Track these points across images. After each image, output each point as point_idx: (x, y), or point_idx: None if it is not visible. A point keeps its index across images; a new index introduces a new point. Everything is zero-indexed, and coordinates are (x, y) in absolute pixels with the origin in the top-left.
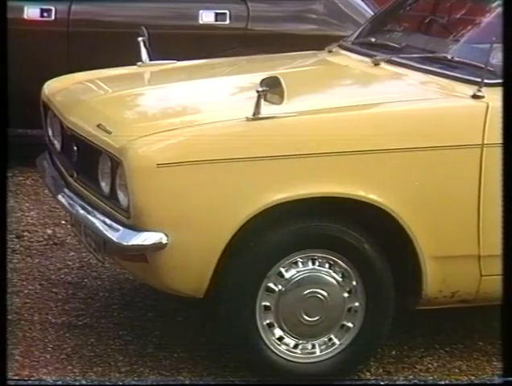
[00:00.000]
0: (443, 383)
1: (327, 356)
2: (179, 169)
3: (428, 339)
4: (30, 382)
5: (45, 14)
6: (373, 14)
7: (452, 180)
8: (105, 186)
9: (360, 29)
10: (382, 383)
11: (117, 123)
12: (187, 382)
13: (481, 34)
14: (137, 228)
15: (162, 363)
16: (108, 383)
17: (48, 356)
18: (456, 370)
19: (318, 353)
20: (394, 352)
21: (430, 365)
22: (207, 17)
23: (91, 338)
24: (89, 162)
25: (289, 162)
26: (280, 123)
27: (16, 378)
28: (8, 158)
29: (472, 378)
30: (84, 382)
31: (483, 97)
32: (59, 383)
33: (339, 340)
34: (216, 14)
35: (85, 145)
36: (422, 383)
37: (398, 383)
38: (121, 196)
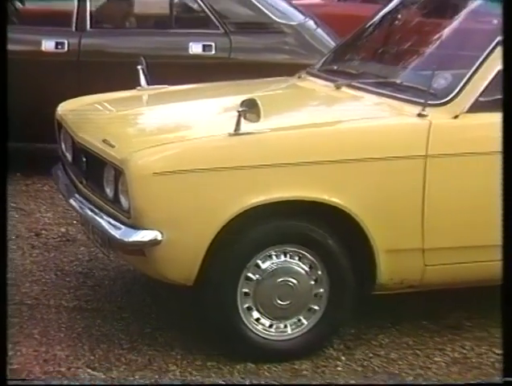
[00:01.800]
0: (443, 383)
1: (297, 334)
2: (173, 177)
3: (382, 320)
4: (30, 382)
5: (59, 47)
6: (335, 45)
7: (400, 186)
8: (109, 191)
9: (324, 58)
10: (384, 383)
11: (120, 138)
12: (176, 381)
13: (424, 62)
14: (136, 227)
15: (158, 341)
16: (107, 383)
17: (62, 335)
18: (404, 345)
19: (289, 332)
20: (353, 331)
21: (382, 341)
22: (195, 48)
23: (98, 320)
24: (96, 171)
25: (264, 170)
26: (257, 138)
27: (16, 378)
28: (8, 166)
29: (428, 351)
30: (88, 382)
31: (426, 116)
32: (60, 383)
33: (307, 321)
34: (204, 46)
35: (93, 157)
36: (425, 383)
37: (402, 383)
38: (123, 200)
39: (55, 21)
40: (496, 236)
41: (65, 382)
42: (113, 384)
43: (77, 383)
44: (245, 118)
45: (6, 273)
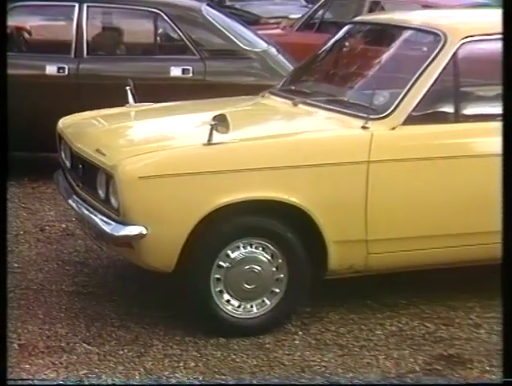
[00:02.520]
0: (443, 383)
1: (261, 313)
2: (155, 180)
3: (333, 300)
4: (30, 382)
5: (61, 71)
6: (292, 68)
7: (347, 187)
8: (101, 193)
9: (283, 79)
10: (385, 383)
11: (110, 148)
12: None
13: (367, 83)
14: (124, 223)
15: (144, 320)
16: (107, 383)
17: (62, 315)
18: (351, 321)
19: (255, 311)
20: (308, 309)
21: (333, 318)
22: (176, 71)
23: (93, 302)
24: (90, 176)
25: (233, 175)
26: (227, 147)
27: (16, 378)
28: (8, 170)
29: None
30: (85, 382)
31: (369, 128)
32: (59, 382)
33: (269, 301)
34: (183, 70)
35: (87, 164)
36: (425, 383)
37: (402, 383)
38: (113, 200)
39: (57, 49)
40: (427, 227)
41: (65, 382)
42: (114, 384)
43: (77, 383)
44: (216, 130)
45: (6, 275)
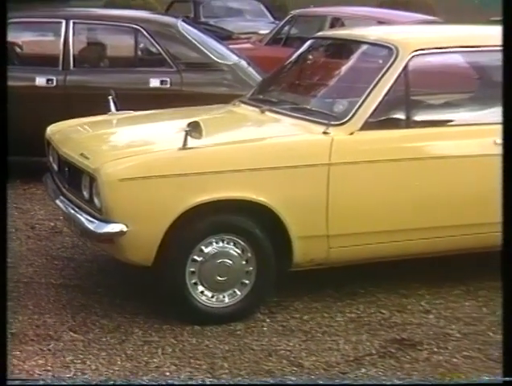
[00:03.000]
0: (442, 382)
1: (232, 303)
2: (135, 182)
3: (297, 290)
4: (30, 382)
5: (49, 82)
6: (261, 79)
7: (310, 187)
8: (85, 194)
9: (253, 89)
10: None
11: (93, 152)
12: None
13: (327, 92)
14: (106, 221)
15: (125, 310)
16: (107, 383)
17: (50, 306)
18: (314, 309)
19: (227, 301)
20: (275, 299)
21: (297, 306)
22: (154, 82)
23: (78, 294)
24: (76, 179)
25: (205, 177)
26: (200, 151)
27: (16, 378)
28: (8, 174)
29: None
30: (82, 382)
31: (329, 133)
32: (59, 383)
33: (240, 292)
34: (161, 81)
35: (73, 168)
36: (423, 382)
37: (398, 382)
38: (96, 200)
39: (45, 62)
40: (382, 223)
41: (65, 382)
42: (113, 384)
43: (78, 383)
44: (190, 136)
45: (6, 278)
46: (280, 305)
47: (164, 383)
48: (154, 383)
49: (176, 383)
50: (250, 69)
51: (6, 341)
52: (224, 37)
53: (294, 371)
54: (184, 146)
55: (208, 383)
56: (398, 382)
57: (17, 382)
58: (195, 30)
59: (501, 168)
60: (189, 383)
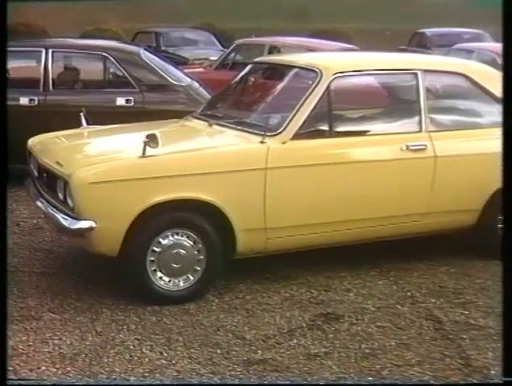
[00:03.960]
0: (442, 382)
1: (186, 286)
2: (102, 185)
3: (241, 274)
4: (30, 382)
5: (32, 101)
6: (209, 97)
7: (250, 188)
8: (61, 195)
9: (202, 106)
10: (386, 382)
11: (67, 160)
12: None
13: (264, 109)
14: (78, 219)
15: (96, 293)
16: (107, 383)
17: (33, 291)
18: (255, 290)
19: (181, 285)
20: (223, 282)
21: (241, 288)
22: (120, 101)
23: (56, 280)
24: (52, 183)
25: (161, 180)
26: (157, 159)
27: (16, 378)
28: (8, 179)
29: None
30: (83, 382)
31: (266, 142)
32: (59, 383)
33: (193, 277)
34: (126, 100)
35: (50, 173)
36: (421, 383)
37: (398, 383)
38: (69, 201)
39: (28, 84)
40: (311, 217)
41: (65, 382)
42: (112, 384)
43: (78, 383)
44: (149, 146)
45: (6, 282)
46: (227, 287)
47: (164, 383)
48: (154, 383)
49: (177, 383)
50: (201, 89)
51: (6, 341)
52: (180, 63)
53: (237, 343)
54: (143, 155)
55: (209, 382)
56: (398, 382)
57: (17, 382)
58: (155, 57)
59: (502, 168)
60: (189, 383)
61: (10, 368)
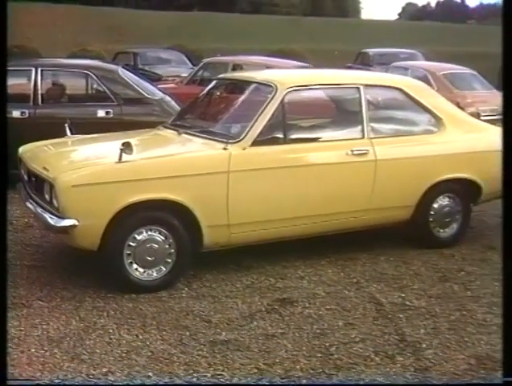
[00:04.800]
0: (442, 382)
1: (159, 276)
2: (83, 187)
3: (207, 265)
4: (30, 382)
5: (23, 114)
6: (180, 109)
7: (215, 189)
8: (47, 197)
9: (173, 117)
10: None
11: (53, 166)
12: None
13: (227, 119)
14: (63, 218)
15: (79, 283)
16: (107, 384)
17: (23, 281)
18: (220, 279)
19: (155, 275)
20: (192, 272)
21: (209, 277)
22: (101, 113)
23: (44, 272)
24: (40, 186)
25: (136, 183)
26: (131, 164)
27: (16, 378)
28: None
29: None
30: (84, 382)
31: (228, 149)
32: (58, 383)
33: (165, 268)
34: (106, 112)
35: (38, 178)
36: (423, 383)
37: (399, 383)
38: (55, 202)
39: (20, 99)
40: (268, 214)
41: (65, 382)
42: (110, 384)
43: (77, 383)
44: (124, 153)
45: (6, 282)
46: (195, 277)
47: (164, 383)
48: (155, 384)
49: (180, 382)
50: (173, 102)
51: (6, 342)
52: (155, 79)
53: (204, 326)
54: (119, 160)
55: (209, 382)
56: (398, 382)
57: (17, 382)
58: (131, 74)
59: (502, 168)
60: (190, 382)
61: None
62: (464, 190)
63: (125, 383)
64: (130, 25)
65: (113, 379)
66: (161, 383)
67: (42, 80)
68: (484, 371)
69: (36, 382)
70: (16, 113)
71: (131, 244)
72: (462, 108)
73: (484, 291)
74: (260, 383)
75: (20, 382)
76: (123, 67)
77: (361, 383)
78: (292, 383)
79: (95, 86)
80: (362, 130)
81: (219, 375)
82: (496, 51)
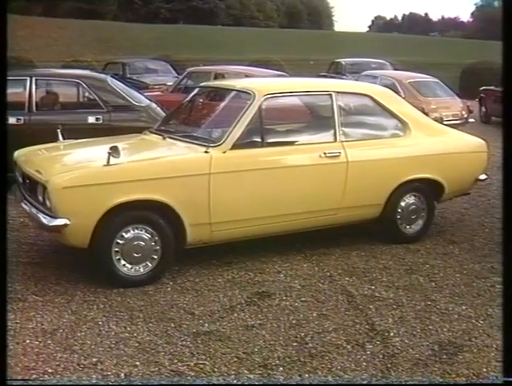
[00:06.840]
0: (442, 382)
1: (146, 272)
2: (74, 189)
3: (191, 261)
4: (30, 382)
5: (19, 120)
6: (164, 115)
7: (197, 189)
8: (40, 198)
9: (158, 123)
10: (384, 382)
11: (45, 169)
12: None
13: (208, 124)
14: (55, 217)
15: (71, 279)
16: (107, 384)
17: (19, 277)
18: (203, 274)
19: (141, 270)
20: (176, 268)
21: (192, 273)
22: (91, 119)
23: (39, 269)
24: (34, 188)
25: (123, 184)
26: (119, 167)
27: (16, 378)
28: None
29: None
30: (84, 382)
31: (209, 152)
32: (59, 383)
33: (151, 264)
34: (96, 118)
35: (32, 180)
36: (423, 383)
37: (401, 382)
38: (47, 202)
39: (16, 106)
40: (247, 213)
41: (65, 382)
42: (110, 384)
43: (77, 383)
44: (112, 156)
45: (6, 283)
46: (179, 272)
47: (163, 383)
48: (155, 384)
49: (180, 382)
50: (158, 109)
51: (6, 342)
52: (142, 87)
53: (188, 318)
54: (107, 163)
55: (209, 382)
56: (398, 382)
57: (17, 382)
58: (120, 83)
59: (502, 168)
60: (190, 382)
61: None
62: (429, 190)
63: (125, 382)
64: (120, 37)
65: (102, 369)
66: (162, 383)
67: (36, 88)
68: (446, 357)
69: (36, 382)
70: (12, 120)
71: (119, 241)
72: (427, 114)
73: (446, 282)
74: (260, 383)
75: (20, 382)
76: (112, 77)
77: (357, 382)
78: (293, 383)
79: (86, 94)
80: (334, 134)
81: (202, 363)
82: (456, 61)
